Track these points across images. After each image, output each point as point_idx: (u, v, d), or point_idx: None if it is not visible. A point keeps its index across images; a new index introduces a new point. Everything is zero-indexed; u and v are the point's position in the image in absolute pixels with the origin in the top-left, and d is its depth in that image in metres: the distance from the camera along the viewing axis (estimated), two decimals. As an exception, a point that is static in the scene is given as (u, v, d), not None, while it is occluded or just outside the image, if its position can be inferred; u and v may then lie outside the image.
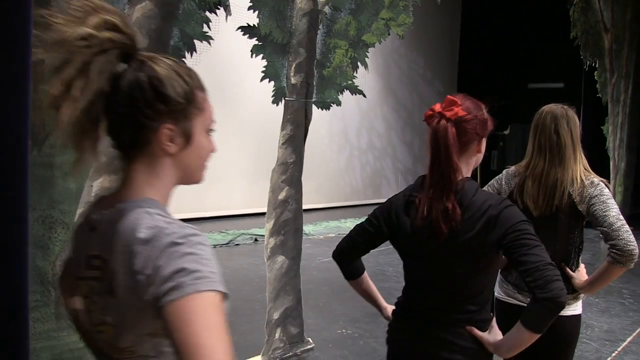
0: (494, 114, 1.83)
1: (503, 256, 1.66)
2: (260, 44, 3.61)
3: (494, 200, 1.64)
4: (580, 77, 10.80)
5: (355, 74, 3.65)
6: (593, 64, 9.77)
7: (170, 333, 0.91)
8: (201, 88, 1.09)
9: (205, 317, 0.90)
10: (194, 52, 3.10)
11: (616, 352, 4.49)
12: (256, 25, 3.60)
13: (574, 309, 2.28)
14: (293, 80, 3.41)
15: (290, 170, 3.61)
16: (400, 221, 1.72)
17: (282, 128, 3.57)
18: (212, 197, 9.26)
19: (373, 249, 1.87)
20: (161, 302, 0.91)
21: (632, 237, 2.06)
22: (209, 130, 1.12)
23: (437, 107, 1.67)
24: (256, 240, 8.17)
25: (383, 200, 1.91)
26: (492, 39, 15.28)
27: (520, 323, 1.54)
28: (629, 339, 4.81)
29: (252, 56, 3.68)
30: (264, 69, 3.64)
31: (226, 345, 0.91)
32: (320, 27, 3.51)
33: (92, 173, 2.45)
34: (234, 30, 3.65)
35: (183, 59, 3.16)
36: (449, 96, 1.70)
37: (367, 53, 3.64)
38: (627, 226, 2.10)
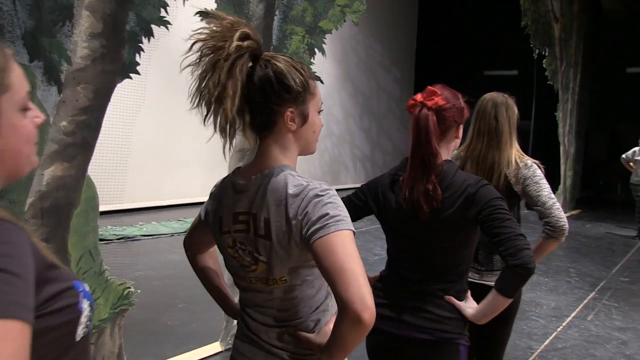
0: (468, 101, 1.95)
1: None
2: (217, 29, 3.58)
3: (472, 180, 1.78)
4: (534, 65, 11.08)
5: (312, 60, 3.66)
6: (543, 52, 10.02)
7: (320, 262, 1.19)
8: (312, 77, 1.37)
9: (345, 247, 1.18)
10: (152, 37, 3.06)
11: (561, 327, 4.68)
12: (214, 11, 3.57)
13: None
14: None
15: (247, 157, 3.62)
16: (386, 198, 1.86)
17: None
18: (170, 185, 9.18)
19: (356, 221, 1.95)
20: (312, 240, 1.20)
21: (562, 214, 2.23)
22: (319, 111, 1.39)
23: (419, 97, 1.81)
24: (214, 227, 8.15)
25: (342, 186, 2.00)
26: (448, 26, 15.50)
27: (494, 290, 1.70)
28: (573, 314, 5.03)
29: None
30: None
31: (362, 267, 1.17)
32: (277, 13, 3.51)
33: (42, 161, 2.42)
34: (192, 14, 3.61)
35: (140, 44, 3.12)
36: (429, 87, 1.83)
37: (324, 39, 3.65)
38: (558, 204, 2.25)
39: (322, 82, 4.46)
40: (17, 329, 0.72)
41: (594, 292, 5.78)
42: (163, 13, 3.10)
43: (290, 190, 1.27)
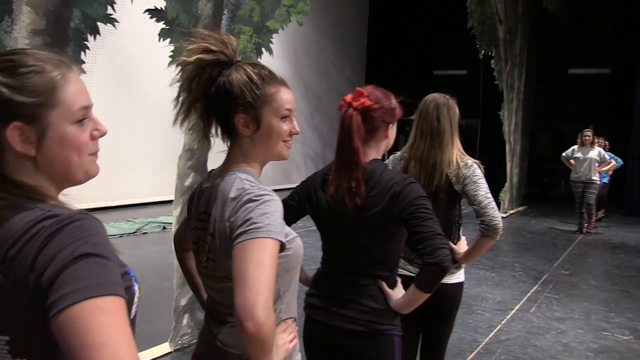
0: (403, 101, 2.00)
1: None
2: (167, 27, 3.55)
3: (399, 178, 1.84)
4: (481, 65, 11.35)
5: (259, 59, 3.68)
6: (489, 53, 10.28)
7: (233, 266, 1.23)
8: (272, 84, 1.42)
9: (253, 255, 1.21)
10: (98, 35, 3.01)
11: (505, 319, 4.84)
12: (163, 9, 3.54)
13: (458, 277, 2.50)
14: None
15: (196, 156, 3.61)
16: (318, 197, 1.92)
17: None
18: (118, 185, 9.01)
19: (294, 223, 2.02)
20: (233, 244, 1.25)
21: (497, 214, 2.30)
22: (282, 116, 1.43)
23: (348, 97, 1.87)
24: (164, 228, 8.05)
25: (293, 186, 2.05)
26: (399, 26, 15.71)
27: (413, 284, 1.77)
28: (516, 307, 5.20)
29: (159, 40, 3.62)
30: (171, 53, 3.59)
31: (267, 277, 1.19)
32: (225, 12, 3.51)
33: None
34: (141, 13, 3.57)
35: (85, 42, 3.06)
36: (358, 88, 1.88)
37: (271, 39, 3.68)
38: (493, 204, 2.32)
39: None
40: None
41: (537, 286, 5.99)
42: (110, 10, 3.06)
43: (232, 194, 1.34)
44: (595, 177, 9.18)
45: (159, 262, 6.04)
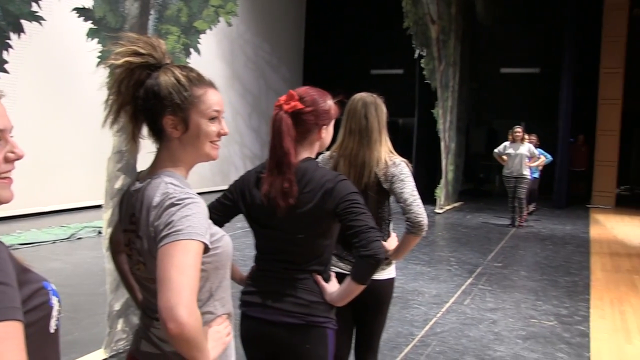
0: (341, 101, 2.06)
1: None
2: (95, 27, 3.47)
3: (331, 175, 1.89)
4: (416, 65, 11.57)
5: (188, 60, 3.65)
6: (422, 52, 10.51)
7: (157, 269, 1.26)
8: (199, 86, 1.45)
9: (176, 257, 1.25)
10: (22, 34, 2.91)
11: (441, 312, 4.98)
12: (91, 8, 3.46)
13: (389, 273, 2.56)
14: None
15: (125, 159, 3.55)
16: (252, 194, 1.95)
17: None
18: (50, 190, 8.73)
19: (228, 222, 2.05)
20: (157, 247, 1.29)
21: (422, 211, 2.36)
22: (210, 118, 1.46)
23: (282, 99, 1.91)
24: (100, 232, 7.84)
25: None
26: (336, 26, 15.83)
27: (349, 277, 1.83)
28: (451, 300, 5.35)
29: (87, 40, 3.54)
30: (100, 53, 3.52)
31: (189, 279, 1.24)
32: (152, 12, 3.47)
33: None
34: (69, 11, 3.48)
35: (8, 41, 2.96)
36: (290, 90, 1.92)
37: (199, 39, 3.66)
38: (419, 201, 2.38)
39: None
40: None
41: (471, 278, 6.18)
42: (35, 8, 2.96)
43: (156, 199, 1.37)
44: (526, 172, 9.54)
45: (95, 268, 5.89)
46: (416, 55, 10.38)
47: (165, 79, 1.42)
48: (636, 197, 15.09)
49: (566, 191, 12.93)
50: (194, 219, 1.31)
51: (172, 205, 1.33)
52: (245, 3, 11.82)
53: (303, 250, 1.91)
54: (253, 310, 1.94)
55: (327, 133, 2.01)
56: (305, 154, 1.95)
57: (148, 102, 1.42)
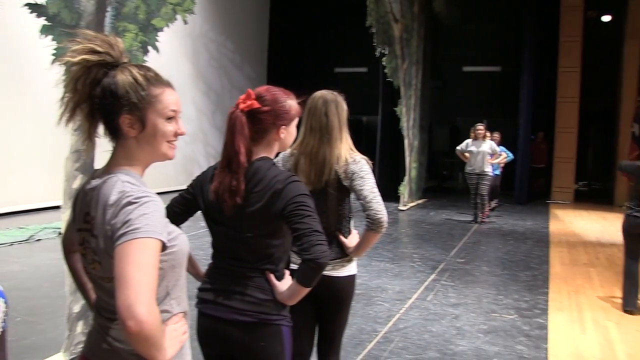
0: (304, 101, 2.09)
1: None
2: (49, 24, 3.39)
3: (283, 176, 1.87)
4: (380, 63, 11.64)
5: (145, 58, 3.61)
6: (383, 50, 10.58)
7: (114, 267, 1.27)
8: (157, 86, 1.46)
9: (132, 255, 1.26)
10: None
11: (404, 308, 5.03)
12: (44, 4, 3.38)
13: (349, 270, 2.57)
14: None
15: (83, 158, 3.48)
16: (207, 190, 1.94)
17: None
18: (7, 191, 8.51)
19: (190, 216, 2.07)
20: (114, 246, 1.29)
21: (381, 208, 2.36)
22: (167, 117, 1.47)
23: (242, 98, 1.91)
24: (60, 234, 7.69)
25: None
26: (300, 24, 15.83)
27: (295, 278, 1.85)
28: (415, 296, 5.41)
29: (41, 36, 3.45)
30: (55, 51, 3.44)
31: (147, 276, 1.25)
32: (109, 9, 3.41)
33: None
34: (20, 6, 3.39)
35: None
36: (249, 89, 1.92)
37: (156, 37, 3.61)
38: (379, 198, 2.38)
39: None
40: (156, 245, 1.15)
41: (434, 274, 6.25)
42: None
43: (112, 197, 1.37)
44: (488, 169, 9.70)
45: (54, 270, 5.77)
46: (377, 54, 10.44)
47: (122, 77, 1.42)
48: (593, 193, 15.48)
49: (527, 187, 13.19)
50: (152, 217, 1.33)
51: (130, 203, 1.33)
52: (208, 1, 11.72)
53: (252, 249, 1.91)
54: (207, 308, 1.95)
55: (288, 133, 2.00)
56: (262, 153, 1.94)
57: (105, 100, 1.42)
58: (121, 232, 1.30)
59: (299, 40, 15.88)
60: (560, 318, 4.90)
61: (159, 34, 3.63)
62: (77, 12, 3.33)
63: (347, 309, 2.64)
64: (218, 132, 12.14)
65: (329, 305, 2.55)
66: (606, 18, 14.46)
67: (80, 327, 3.75)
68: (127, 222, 1.31)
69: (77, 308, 3.73)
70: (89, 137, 1.47)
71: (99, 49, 1.42)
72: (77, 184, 3.51)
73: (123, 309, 1.22)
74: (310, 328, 2.63)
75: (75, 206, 1.55)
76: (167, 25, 3.62)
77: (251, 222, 1.87)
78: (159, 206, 1.37)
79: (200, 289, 2.00)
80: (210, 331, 1.95)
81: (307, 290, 1.84)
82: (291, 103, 1.98)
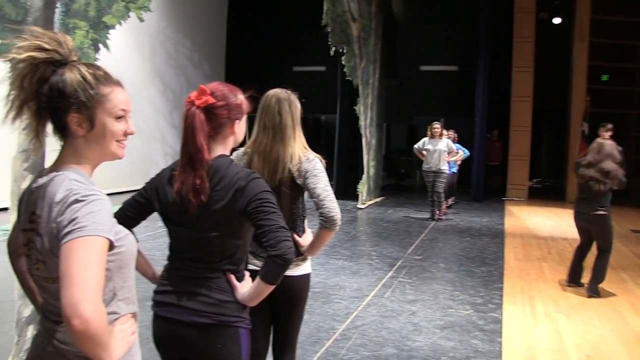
0: (251, 96, 2.05)
1: None
2: (-8, 19, 3.28)
3: (244, 173, 1.87)
4: (338, 62, 11.68)
5: (97, 56, 3.53)
6: (341, 50, 10.62)
7: (60, 266, 1.26)
8: (106, 85, 1.45)
9: (78, 254, 1.25)
10: None
11: (361, 306, 5.06)
12: (-14, -2, 3.26)
13: (304, 269, 2.57)
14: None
15: (32, 158, 3.39)
16: (165, 192, 1.92)
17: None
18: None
19: (143, 220, 2.03)
20: (60, 245, 1.28)
21: (334, 206, 2.38)
22: (116, 116, 1.46)
23: (193, 95, 1.89)
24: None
25: None
26: (259, 22, 15.76)
27: (258, 277, 1.82)
28: (372, 293, 5.45)
29: (-16, 32, 3.34)
30: (-1, 48, 3.32)
31: (94, 274, 1.24)
32: (58, 5, 3.32)
33: None
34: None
35: None
36: (201, 86, 1.90)
37: (108, 35, 3.53)
38: (332, 196, 2.40)
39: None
40: (103, 243, 1.21)
41: (391, 272, 6.31)
42: None
43: (59, 195, 1.36)
44: (444, 167, 9.84)
45: (3, 273, 5.57)
46: (332, 53, 10.47)
47: (71, 76, 1.41)
48: (547, 189, 15.89)
49: (483, 185, 13.44)
50: (99, 215, 1.32)
51: (77, 201, 1.32)
52: (163, -2, 11.55)
53: (215, 249, 1.88)
54: (164, 310, 1.91)
55: (240, 128, 2.01)
56: (219, 149, 1.94)
57: (53, 99, 1.40)
58: (67, 230, 1.28)
59: (257, 38, 15.81)
60: (514, 312, 5.01)
61: (113, 31, 3.56)
62: (23, 7, 3.23)
63: (302, 308, 2.64)
64: (176, 130, 11.99)
65: (284, 304, 2.55)
66: (557, 20, 14.85)
67: (30, 332, 3.64)
68: (73, 220, 1.29)
69: (26, 312, 3.62)
70: (37, 136, 1.46)
71: (46, 46, 1.40)
72: (25, 184, 3.41)
73: (68, 308, 1.20)
74: (265, 328, 2.63)
75: (20, 206, 1.52)
76: (120, 23, 3.55)
77: (214, 221, 1.85)
78: (107, 205, 1.36)
79: (156, 292, 1.97)
80: (167, 334, 1.92)
81: (271, 288, 1.83)
82: (241, 97, 1.99)
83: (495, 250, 7.71)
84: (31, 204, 1.44)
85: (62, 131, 1.45)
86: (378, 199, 12.56)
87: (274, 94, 2.54)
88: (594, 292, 5.46)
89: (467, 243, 8.21)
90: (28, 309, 3.62)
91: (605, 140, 5.64)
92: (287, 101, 2.52)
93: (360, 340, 4.23)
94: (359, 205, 11.26)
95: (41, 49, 1.39)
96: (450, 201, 11.49)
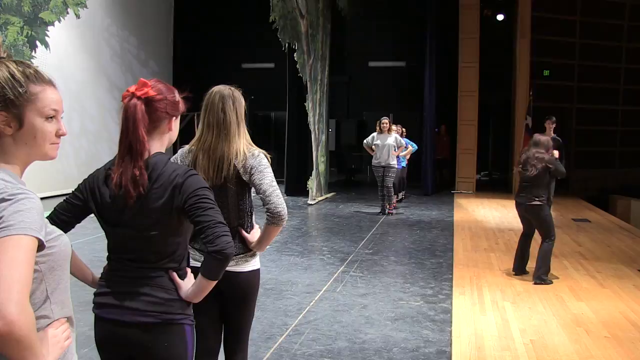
0: (187, 97, 2.04)
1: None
2: None
3: (181, 170, 1.86)
4: (287, 58, 11.67)
5: (34, 53, 3.41)
6: (293, 46, 10.63)
7: None
8: (37, 83, 1.40)
9: (7, 253, 1.20)
10: None
11: (314, 301, 5.09)
12: None
13: (253, 264, 2.57)
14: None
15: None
16: (101, 192, 1.89)
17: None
18: None
19: (79, 223, 1.99)
20: None
21: (280, 201, 2.40)
22: (47, 116, 1.42)
23: (132, 88, 1.88)
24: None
25: None
26: (206, 19, 15.57)
27: (200, 273, 1.82)
28: (324, 288, 5.49)
29: None
30: None
31: (21, 274, 1.20)
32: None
33: None
34: None
35: None
36: (141, 79, 1.89)
37: (46, 31, 3.42)
38: (278, 192, 2.42)
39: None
40: (32, 242, 1.17)
41: (343, 266, 6.36)
42: None
43: None
44: (393, 162, 9.96)
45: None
46: (284, 49, 10.47)
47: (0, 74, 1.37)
48: (494, 182, 16.29)
49: (432, 178, 13.67)
50: (28, 214, 1.28)
51: (3, 200, 1.28)
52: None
53: (155, 248, 1.87)
54: (106, 312, 1.88)
55: (176, 125, 2.01)
56: (156, 146, 1.93)
57: None
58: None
59: (205, 35, 15.62)
60: (463, 302, 5.13)
61: (56, 29, 3.45)
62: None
63: (252, 304, 2.63)
64: (122, 130, 11.75)
65: (234, 301, 2.54)
66: (500, 17, 15.23)
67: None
68: (0, 219, 1.25)
69: None
70: None
71: None
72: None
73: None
74: (216, 326, 2.61)
75: None
76: (58, 20, 3.44)
77: (153, 219, 1.83)
78: (37, 204, 1.32)
79: (96, 294, 1.94)
80: (109, 336, 1.89)
81: (213, 283, 1.83)
82: (177, 96, 1.99)
83: (444, 242, 7.86)
84: None
85: None
86: (328, 195, 12.62)
87: (217, 90, 2.53)
88: (538, 279, 5.65)
89: (417, 236, 8.34)
90: None
91: (541, 136, 6.01)
92: (231, 98, 2.51)
93: (312, 334, 4.25)
94: (310, 202, 11.28)
95: None
96: (400, 195, 11.64)
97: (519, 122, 13.60)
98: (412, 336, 4.26)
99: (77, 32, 9.82)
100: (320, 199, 11.88)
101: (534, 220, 5.84)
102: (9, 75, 1.37)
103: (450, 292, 5.44)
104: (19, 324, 1.16)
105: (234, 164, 2.45)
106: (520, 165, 5.84)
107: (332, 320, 4.58)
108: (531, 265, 5.93)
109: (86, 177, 2.00)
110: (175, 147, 2.76)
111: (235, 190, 2.49)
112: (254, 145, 2.55)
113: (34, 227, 1.27)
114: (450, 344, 4.12)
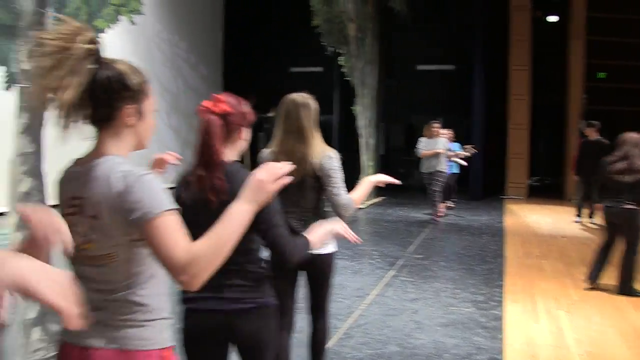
0: (260, 99, 2.32)
1: None
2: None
3: None
4: (335, 62, 11.70)
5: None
6: (338, 50, 10.62)
7: (148, 242, 1.40)
8: (147, 80, 1.53)
9: (166, 230, 1.40)
10: None
11: (364, 305, 5.06)
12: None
13: (331, 248, 3.00)
14: (25, 66, 3.17)
15: (30, 161, 3.39)
16: (183, 197, 2.08)
17: (18, 116, 3.32)
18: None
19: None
20: (140, 221, 1.38)
21: (347, 196, 2.83)
22: (154, 110, 1.56)
23: (207, 103, 2.07)
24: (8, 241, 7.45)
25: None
26: (255, 23, 15.74)
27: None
28: (374, 292, 5.45)
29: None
30: (-1, 51, 3.33)
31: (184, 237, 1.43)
32: (50, 9, 3.33)
33: None
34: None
35: None
36: (214, 94, 2.11)
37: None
38: (344, 189, 2.84)
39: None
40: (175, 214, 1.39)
41: (393, 271, 6.31)
42: None
43: (117, 175, 1.41)
44: (441, 168, 9.71)
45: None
46: (329, 53, 10.47)
47: (127, 70, 1.48)
48: (546, 187, 15.90)
49: (482, 183, 13.43)
50: (161, 189, 1.43)
51: (138, 180, 1.40)
52: (160, 1, 11.53)
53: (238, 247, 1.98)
54: (202, 304, 2.05)
55: (246, 134, 2.20)
56: (231, 155, 2.12)
57: (108, 89, 1.44)
58: (146, 209, 1.38)
59: (254, 39, 15.79)
60: (515, 309, 5.01)
61: (109, 35, 3.57)
62: (14, 12, 3.22)
63: (331, 280, 3.12)
64: (174, 132, 11.98)
65: (315, 278, 3.04)
66: (552, 18, 14.88)
67: (36, 334, 3.64)
68: (140, 200, 1.39)
69: (32, 314, 3.62)
70: (67, 127, 1.44)
71: (96, 38, 1.44)
72: (24, 187, 3.41)
73: (178, 268, 1.38)
74: (293, 304, 3.07)
75: (57, 194, 1.57)
76: (109, 27, 3.56)
77: None
78: (157, 177, 1.47)
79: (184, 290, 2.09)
80: (206, 326, 2.07)
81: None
82: (246, 107, 2.17)
83: (495, 248, 7.71)
84: (70, 189, 1.49)
85: (108, 120, 1.49)
86: (377, 199, 12.56)
87: (292, 99, 2.85)
88: (628, 291, 5.40)
89: (466, 241, 8.21)
90: (34, 311, 3.62)
91: (629, 134, 5.67)
92: (303, 106, 2.82)
93: (363, 338, 4.23)
94: (359, 206, 11.22)
95: (92, 41, 1.42)
96: (450, 203, 11.33)
97: (572, 126, 13.26)
98: (463, 342, 4.18)
99: (129, 38, 10.09)
100: (369, 203, 11.84)
101: (625, 225, 5.42)
102: (130, 71, 1.48)
103: (501, 298, 5.33)
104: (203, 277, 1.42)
105: (311, 162, 2.79)
106: (616, 168, 5.44)
107: (382, 324, 4.55)
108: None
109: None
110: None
111: (312, 183, 2.84)
112: (327, 146, 2.88)
113: (172, 201, 1.44)
114: (503, 352, 4.03)
